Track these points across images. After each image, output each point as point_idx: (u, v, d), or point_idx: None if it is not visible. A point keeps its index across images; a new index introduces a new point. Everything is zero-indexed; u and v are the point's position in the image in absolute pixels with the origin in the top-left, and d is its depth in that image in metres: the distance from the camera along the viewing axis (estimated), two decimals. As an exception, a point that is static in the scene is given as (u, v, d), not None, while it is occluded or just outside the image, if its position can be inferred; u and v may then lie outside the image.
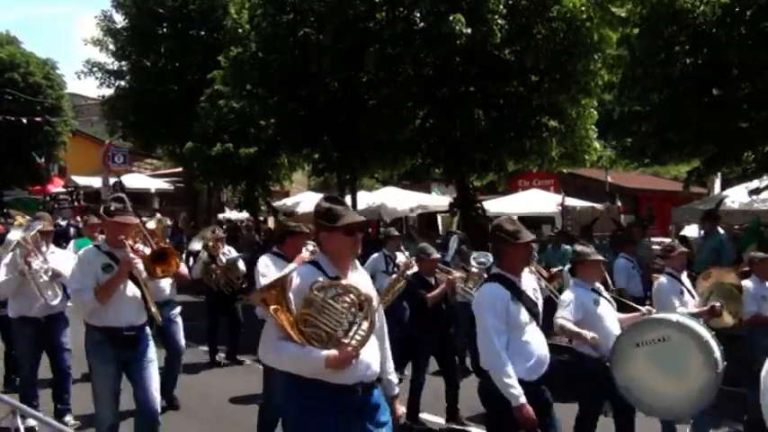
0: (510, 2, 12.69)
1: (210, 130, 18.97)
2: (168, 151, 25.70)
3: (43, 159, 35.06)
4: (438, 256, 7.15)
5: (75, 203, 38.02)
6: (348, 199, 17.84)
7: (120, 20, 23.49)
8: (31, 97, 33.64)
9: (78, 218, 24.13)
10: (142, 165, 41.98)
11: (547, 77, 13.34)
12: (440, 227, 23.68)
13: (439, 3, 12.36)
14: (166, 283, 6.73)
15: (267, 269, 5.73)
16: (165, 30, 23.39)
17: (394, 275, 7.65)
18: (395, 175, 23.05)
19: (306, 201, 24.02)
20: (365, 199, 20.59)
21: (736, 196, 13.23)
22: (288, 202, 24.62)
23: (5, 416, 4.68)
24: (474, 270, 7.50)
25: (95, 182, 32.73)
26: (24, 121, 31.56)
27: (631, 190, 25.06)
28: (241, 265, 9.26)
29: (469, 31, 12.01)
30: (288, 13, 14.26)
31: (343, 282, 3.39)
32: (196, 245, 9.45)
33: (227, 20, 18.77)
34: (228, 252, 9.52)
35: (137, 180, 34.11)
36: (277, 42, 14.34)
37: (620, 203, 17.96)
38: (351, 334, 3.23)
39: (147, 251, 4.97)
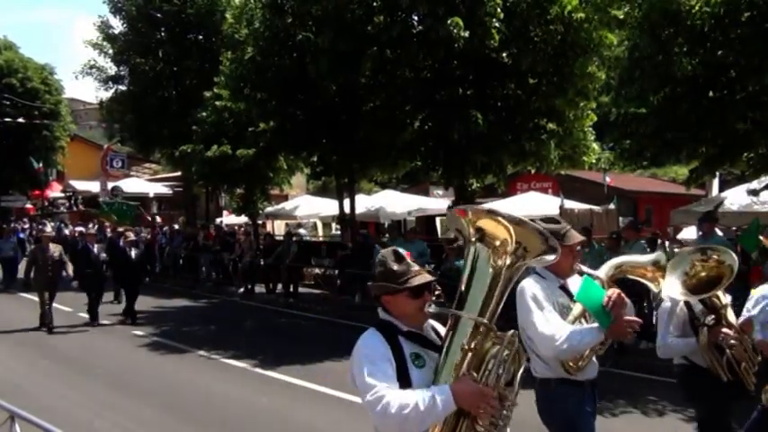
0: (507, 4, 12.70)
1: (212, 130, 18.95)
2: (166, 155, 25.69)
3: (41, 164, 35.08)
4: None
5: (74, 208, 38.08)
6: (346, 202, 17.85)
7: (117, 24, 23.52)
8: (29, 102, 33.64)
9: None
10: (140, 169, 42.01)
11: (544, 80, 13.35)
12: (438, 230, 23.72)
13: (436, 6, 12.37)
14: None
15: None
16: (162, 34, 23.41)
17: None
18: (393, 178, 23.05)
19: (304, 204, 24.03)
20: (364, 202, 20.59)
21: (735, 198, 13.23)
22: (287, 205, 24.62)
23: (4, 422, 4.67)
24: None
25: (94, 186, 32.76)
26: (22, 120, 31.50)
27: (630, 192, 25.05)
28: None
29: (467, 34, 12.01)
30: (286, 17, 14.27)
31: None
32: None
33: (224, 24, 18.77)
34: None
35: (135, 184, 34.15)
36: (275, 46, 14.34)
37: (612, 206, 17.90)
38: None
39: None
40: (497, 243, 2.73)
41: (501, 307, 2.73)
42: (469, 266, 2.80)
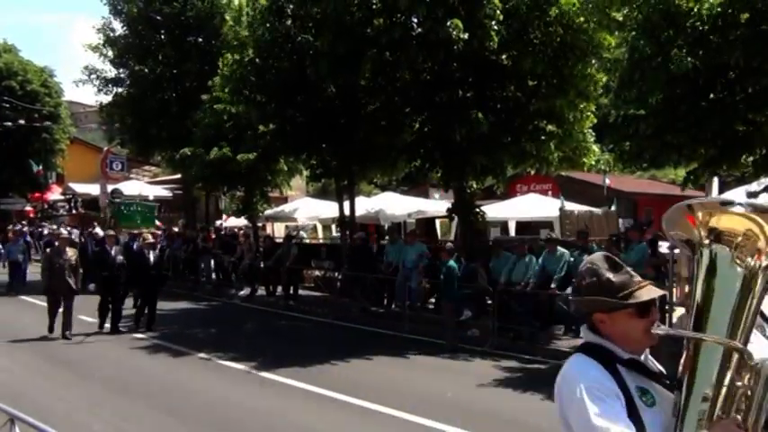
0: (507, 6, 12.72)
1: (211, 132, 18.95)
2: (166, 158, 25.71)
3: (41, 167, 35.10)
4: None
5: (74, 211, 38.08)
6: (346, 204, 17.86)
7: (117, 27, 23.53)
8: (28, 105, 33.66)
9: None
10: (140, 172, 41.97)
11: (544, 82, 13.37)
12: (438, 232, 23.70)
13: (436, 8, 12.39)
14: None
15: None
16: (162, 37, 23.43)
17: None
18: (393, 180, 23.05)
19: (304, 207, 24.03)
20: (364, 204, 20.60)
21: (734, 199, 13.22)
22: (286, 208, 24.61)
23: (3, 424, 4.66)
24: None
25: (93, 189, 32.70)
26: (22, 122, 31.50)
27: (629, 194, 25.07)
28: None
29: (466, 36, 12.03)
30: (286, 19, 14.29)
31: None
32: None
33: (224, 27, 18.79)
34: None
35: (135, 187, 34.08)
36: (275, 49, 14.36)
37: (612, 207, 17.93)
38: None
39: None
40: (740, 240, 2.03)
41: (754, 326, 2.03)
42: (704, 274, 2.09)
